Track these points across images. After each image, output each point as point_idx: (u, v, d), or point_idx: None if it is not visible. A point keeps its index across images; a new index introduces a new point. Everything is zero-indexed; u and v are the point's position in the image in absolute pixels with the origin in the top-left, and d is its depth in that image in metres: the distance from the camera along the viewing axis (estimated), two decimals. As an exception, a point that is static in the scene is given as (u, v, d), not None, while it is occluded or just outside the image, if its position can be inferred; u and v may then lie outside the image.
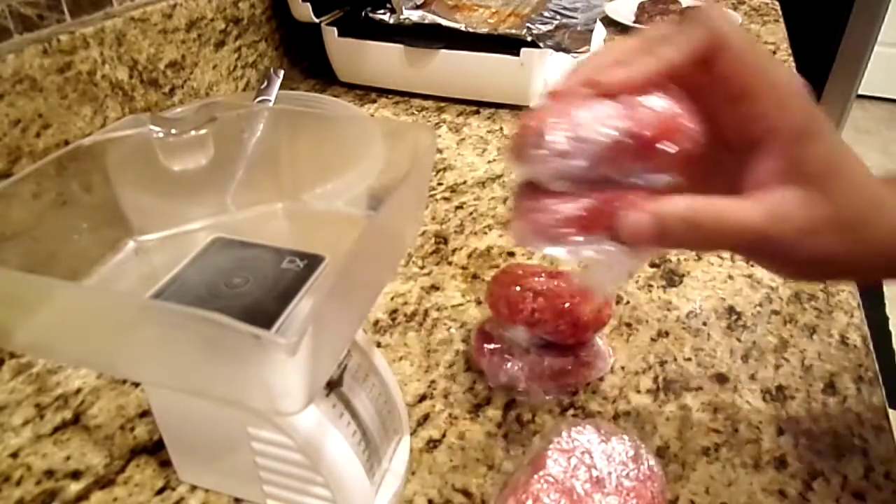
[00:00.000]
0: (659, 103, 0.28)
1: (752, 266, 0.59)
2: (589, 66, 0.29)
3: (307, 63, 1.01)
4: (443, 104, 0.92)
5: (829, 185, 0.28)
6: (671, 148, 0.27)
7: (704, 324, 0.53)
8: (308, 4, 0.86)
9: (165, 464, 0.42)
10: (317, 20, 0.88)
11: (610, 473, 0.34)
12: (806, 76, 0.30)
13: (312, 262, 0.36)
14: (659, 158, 0.28)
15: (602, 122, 0.27)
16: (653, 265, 0.60)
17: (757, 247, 0.30)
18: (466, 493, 0.41)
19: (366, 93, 0.95)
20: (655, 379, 0.48)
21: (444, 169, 0.76)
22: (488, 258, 0.61)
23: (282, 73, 0.72)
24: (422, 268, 0.60)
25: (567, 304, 0.44)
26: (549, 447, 0.35)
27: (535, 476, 0.33)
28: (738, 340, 0.52)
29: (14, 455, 0.43)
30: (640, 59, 0.28)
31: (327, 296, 0.26)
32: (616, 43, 0.30)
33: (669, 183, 0.29)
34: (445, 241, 0.64)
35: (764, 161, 0.29)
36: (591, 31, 0.87)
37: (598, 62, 0.29)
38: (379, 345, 0.52)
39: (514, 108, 0.90)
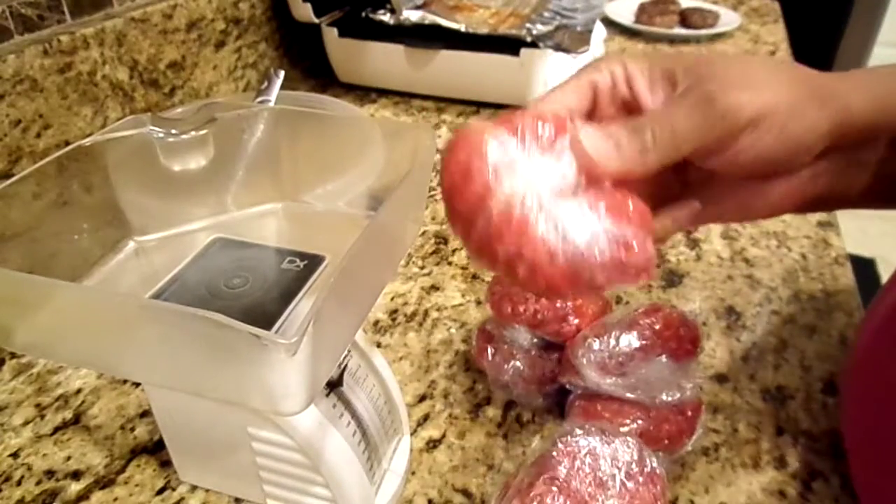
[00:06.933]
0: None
1: (751, 266, 0.59)
2: None
3: (307, 63, 1.01)
4: (443, 105, 0.92)
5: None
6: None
7: (704, 324, 0.53)
8: (308, 5, 0.86)
9: (166, 464, 0.42)
10: (317, 20, 0.88)
11: (613, 476, 0.33)
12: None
13: (312, 262, 0.36)
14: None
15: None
16: (653, 265, 0.60)
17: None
18: (466, 493, 0.41)
19: (366, 93, 0.95)
20: (655, 379, 0.48)
21: (444, 169, 0.76)
22: (488, 258, 0.61)
23: (282, 73, 0.72)
24: (422, 268, 0.60)
25: (569, 305, 0.44)
26: (553, 449, 0.35)
27: (541, 479, 0.33)
28: (738, 340, 0.52)
29: (14, 455, 0.43)
30: None
31: (327, 296, 0.26)
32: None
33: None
34: (445, 241, 0.64)
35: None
36: (591, 31, 0.88)
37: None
38: (379, 345, 0.52)
39: (514, 109, 0.90)
